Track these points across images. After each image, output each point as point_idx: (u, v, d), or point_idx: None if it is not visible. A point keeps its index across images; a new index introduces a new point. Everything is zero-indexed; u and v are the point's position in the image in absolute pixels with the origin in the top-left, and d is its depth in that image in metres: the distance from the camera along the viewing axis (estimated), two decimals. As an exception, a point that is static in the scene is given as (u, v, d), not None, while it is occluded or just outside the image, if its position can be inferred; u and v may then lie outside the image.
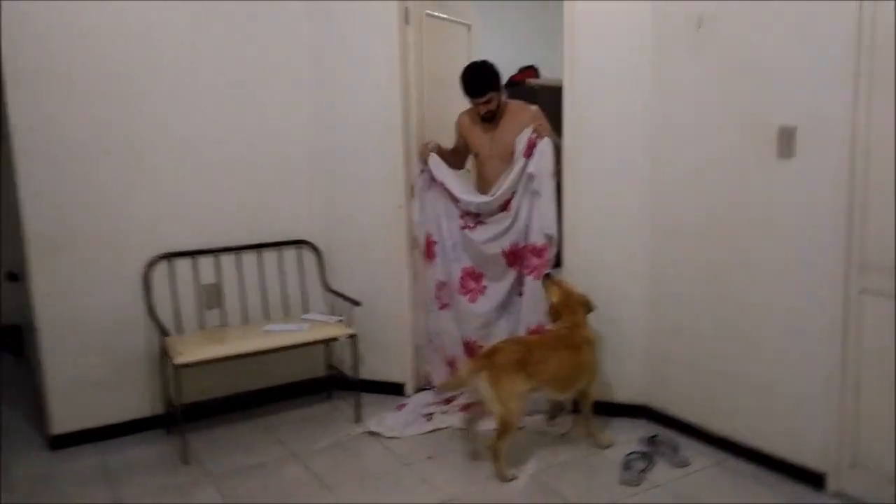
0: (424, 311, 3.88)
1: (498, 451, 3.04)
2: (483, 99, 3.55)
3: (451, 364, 3.82)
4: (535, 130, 3.46)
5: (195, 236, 3.62)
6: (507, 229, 3.58)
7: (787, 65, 2.79)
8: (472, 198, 3.66)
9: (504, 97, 3.66)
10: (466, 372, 3.14)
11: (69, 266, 3.32)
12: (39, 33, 3.15)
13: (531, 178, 3.46)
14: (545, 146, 3.43)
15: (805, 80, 2.73)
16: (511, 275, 3.66)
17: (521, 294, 3.64)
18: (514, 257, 3.61)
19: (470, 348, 3.73)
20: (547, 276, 3.43)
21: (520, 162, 3.48)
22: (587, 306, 3.34)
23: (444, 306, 3.79)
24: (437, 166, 3.69)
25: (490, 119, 3.64)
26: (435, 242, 3.75)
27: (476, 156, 3.81)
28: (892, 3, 2.45)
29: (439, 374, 3.86)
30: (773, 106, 2.85)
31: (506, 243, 3.60)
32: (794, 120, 2.78)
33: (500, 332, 3.65)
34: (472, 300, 3.72)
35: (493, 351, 3.13)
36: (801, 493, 2.86)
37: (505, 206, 3.59)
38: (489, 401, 3.04)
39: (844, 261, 2.67)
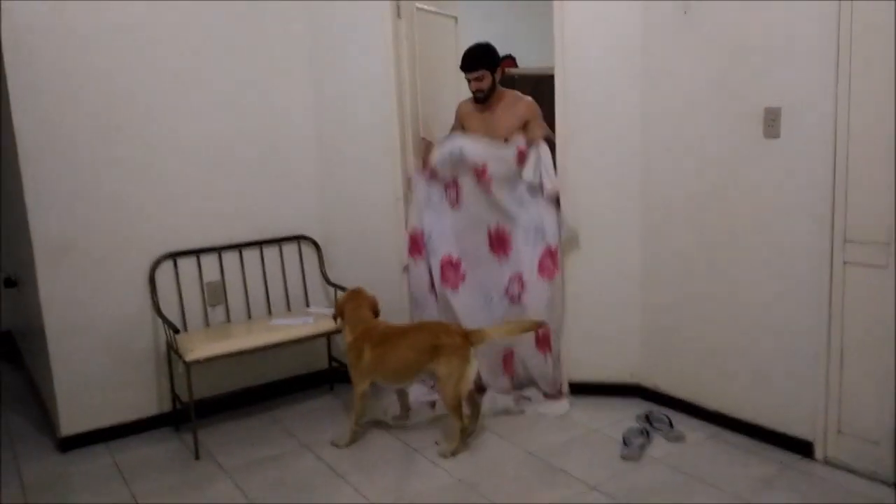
0: (419, 308, 3.90)
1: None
2: (475, 74, 3.68)
3: None
4: (525, 129, 3.61)
5: (199, 235, 3.67)
6: (498, 203, 3.65)
7: (771, 47, 2.93)
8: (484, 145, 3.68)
9: (497, 79, 3.75)
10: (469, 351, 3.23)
11: (75, 269, 3.35)
12: (41, 38, 3.18)
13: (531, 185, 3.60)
14: (542, 152, 3.57)
15: (789, 62, 2.88)
16: (492, 262, 3.71)
17: (514, 296, 3.68)
18: (500, 241, 3.68)
19: None
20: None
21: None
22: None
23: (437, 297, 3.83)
24: (453, 140, 3.73)
25: (482, 100, 3.76)
26: (422, 234, 3.80)
27: None
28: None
29: None
30: (759, 88, 3.00)
31: (493, 222, 3.69)
32: (778, 101, 2.94)
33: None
34: (455, 288, 3.76)
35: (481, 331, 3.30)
36: (790, 460, 3.03)
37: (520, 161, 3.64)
38: (470, 380, 3.23)
39: (829, 235, 2.83)
